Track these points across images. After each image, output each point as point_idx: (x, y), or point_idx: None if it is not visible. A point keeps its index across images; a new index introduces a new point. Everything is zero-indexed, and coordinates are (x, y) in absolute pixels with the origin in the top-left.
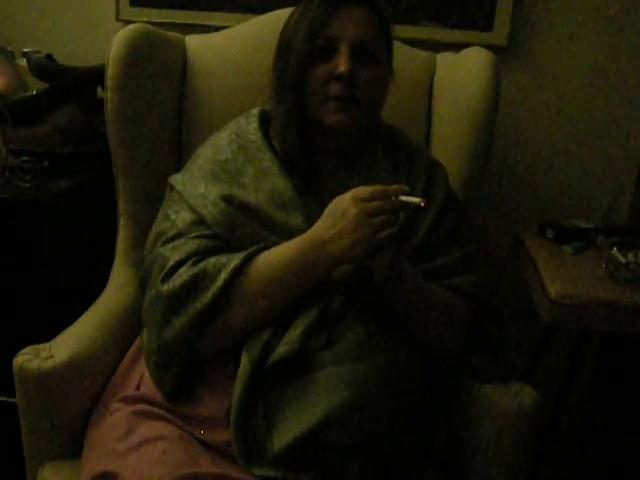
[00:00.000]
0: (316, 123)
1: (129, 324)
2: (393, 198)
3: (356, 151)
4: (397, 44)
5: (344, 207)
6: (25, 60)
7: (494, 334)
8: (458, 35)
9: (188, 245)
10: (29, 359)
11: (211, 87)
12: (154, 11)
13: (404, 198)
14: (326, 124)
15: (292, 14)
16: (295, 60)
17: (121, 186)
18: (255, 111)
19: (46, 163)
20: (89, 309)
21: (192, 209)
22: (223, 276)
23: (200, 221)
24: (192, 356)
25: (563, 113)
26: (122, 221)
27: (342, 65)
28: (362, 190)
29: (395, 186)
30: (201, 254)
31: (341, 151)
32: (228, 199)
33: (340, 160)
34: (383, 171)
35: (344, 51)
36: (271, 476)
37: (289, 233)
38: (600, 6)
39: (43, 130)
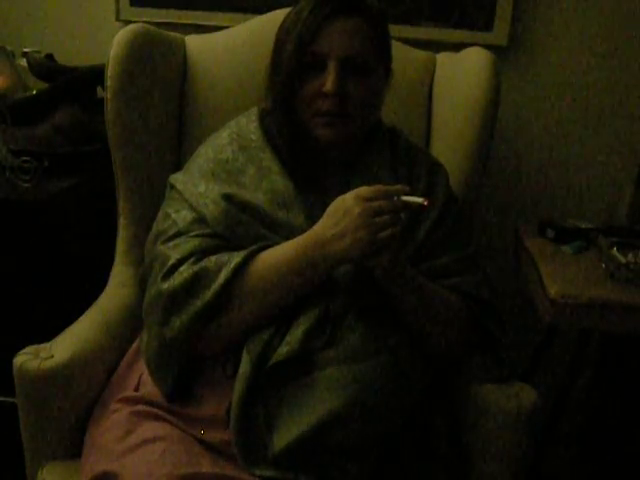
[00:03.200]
0: (308, 134)
1: (129, 324)
2: (395, 198)
3: (357, 152)
4: (397, 44)
5: (347, 206)
6: (25, 60)
7: (494, 334)
8: (458, 35)
9: (189, 243)
10: (29, 359)
11: (211, 87)
12: (154, 11)
13: (406, 198)
14: (316, 138)
15: (287, 17)
16: (283, 75)
17: (121, 186)
18: (255, 110)
19: (46, 163)
20: (89, 309)
21: (192, 208)
22: (224, 274)
23: (201, 220)
24: (192, 355)
25: (563, 113)
26: (122, 221)
27: (329, 84)
28: (365, 190)
29: (397, 186)
30: (202, 253)
31: (341, 153)
32: (229, 198)
33: (341, 160)
34: (384, 171)
35: (332, 68)
36: (271, 476)
37: (290, 232)
38: (600, 6)
39: (43, 130)
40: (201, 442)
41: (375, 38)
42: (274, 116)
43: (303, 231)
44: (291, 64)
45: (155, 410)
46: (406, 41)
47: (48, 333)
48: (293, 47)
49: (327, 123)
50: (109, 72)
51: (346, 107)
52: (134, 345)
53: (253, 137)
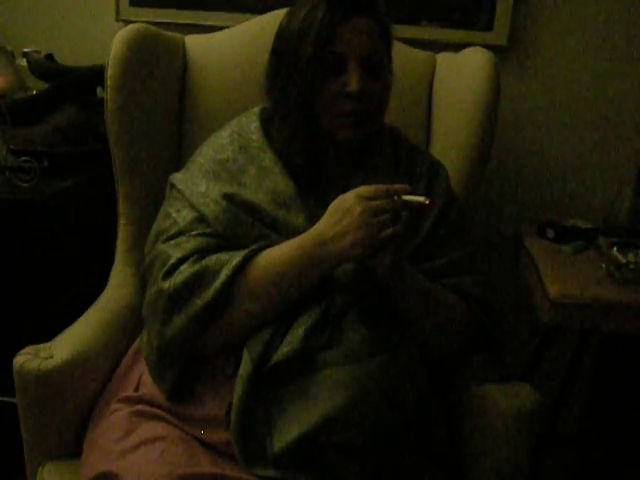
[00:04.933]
0: (326, 136)
1: (129, 324)
2: (396, 197)
3: (358, 152)
4: (397, 44)
5: (348, 205)
6: (25, 60)
7: (494, 334)
8: (458, 35)
9: (190, 243)
10: (29, 359)
11: (211, 87)
12: (154, 11)
13: (407, 197)
14: (339, 139)
15: (292, 19)
16: (302, 78)
17: (121, 186)
18: (256, 110)
19: (46, 163)
20: (89, 309)
21: (193, 207)
22: (225, 273)
23: (201, 219)
24: (193, 354)
25: (563, 113)
26: (122, 221)
27: (353, 84)
28: (366, 189)
29: (398, 185)
30: (203, 252)
31: (347, 153)
32: (229, 197)
33: (342, 161)
34: (385, 171)
35: (354, 68)
36: (271, 476)
37: (291, 232)
38: (600, 6)
39: (43, 130)
40: (201, 442)
41: (384, 38)
42: (288, 121)
43: (304, 230)
44: (312, 67)
45: (155, 410)
46: (406, 41)
47: (48, 333)
48: (313, 49)
49: (352, 124)
50: (109, 72)
51: (366, 106)
52: (134, 345)
53: (254, 137)
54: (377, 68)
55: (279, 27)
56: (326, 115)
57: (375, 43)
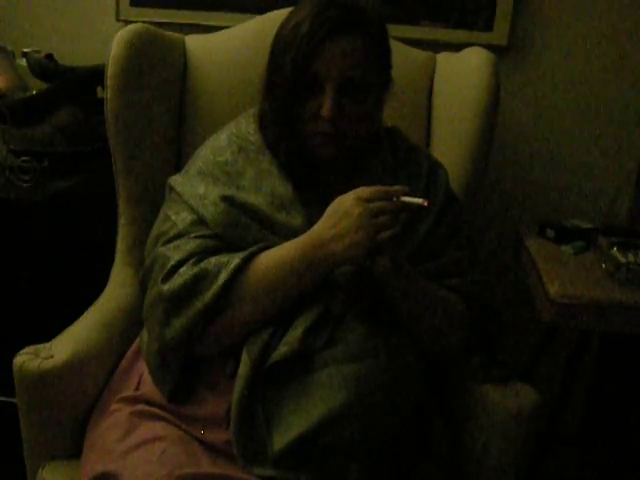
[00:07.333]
0: (307, 149)
1: (129, 324)
2: (394, 199)
3: (356, 154)
4: (397, 44)
5: (346, 207)
6: (25, 60)
7: (494, 334)
8: (458, 35)
9: (189, 245)
10: (29, 359)
11: (211, 87)
12: (154, 11)
13: (406, 199)
14: (317, 155)
15: (284, 27)
16: (280, 95)
17: (121, 186)
18: (254, 111)
19: (46, 163)
20: (89, 309)
21: (192, 210)
22: (224, 275)
23: (200, 221)
24: (192, 356)
25: (563, 113)
26: (122, 221)
27: (326, 110)
28: (364, 190)
29: (397, 187)
30: (202, 254)
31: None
32: (228, 200)
33: (340, 163)
34: (384, 172)
35: (329, 91)
36: (271, 476)
37: (290, 234)
38: (600, 6)
39: (43, 130)
40: (201, 442)
41: (375, 53)
42: (272, 129)
43: (302, 232)
44: (288, 86)
45: (155, 410)
46: (406, 41)
47: (48, 333)
48: (290, 69)
49: (324, 143)
50: (109, 72)
51: (343, 127)
52: (134, 345)
53: (252, 139)
54: (360, 90)
55: (277, 29)
56: (302, 132)
57: (359, 64)
